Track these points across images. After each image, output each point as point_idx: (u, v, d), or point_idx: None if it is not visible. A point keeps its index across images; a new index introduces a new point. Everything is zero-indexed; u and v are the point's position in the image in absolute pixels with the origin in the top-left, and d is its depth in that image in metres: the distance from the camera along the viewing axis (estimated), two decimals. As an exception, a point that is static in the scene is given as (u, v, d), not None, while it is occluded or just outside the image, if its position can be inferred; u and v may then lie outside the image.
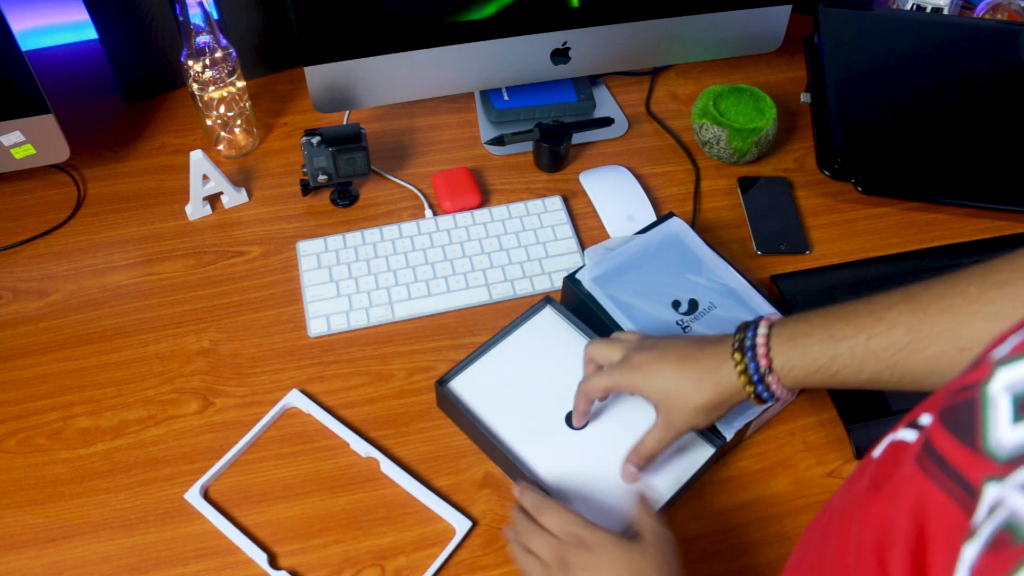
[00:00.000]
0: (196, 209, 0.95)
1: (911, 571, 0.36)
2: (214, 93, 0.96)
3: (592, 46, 1.01)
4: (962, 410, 0.36)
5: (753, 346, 0.64)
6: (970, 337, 0.55)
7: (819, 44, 1.06)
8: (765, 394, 0.65)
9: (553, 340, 0.82)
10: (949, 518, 0.34)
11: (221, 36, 0.93)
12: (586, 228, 0.97)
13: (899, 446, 0.42)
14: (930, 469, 0.36)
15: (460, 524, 0.74)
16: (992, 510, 0.31)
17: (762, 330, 0.65)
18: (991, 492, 0.32)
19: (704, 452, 0.77)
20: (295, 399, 0.81)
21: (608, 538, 0.61)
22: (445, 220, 0.95)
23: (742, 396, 0.66)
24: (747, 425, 0.77)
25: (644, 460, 0.72)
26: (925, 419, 0.41)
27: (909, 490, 0.37)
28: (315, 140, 0.91)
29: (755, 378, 0.64)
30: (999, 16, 1.17)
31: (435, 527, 0.74)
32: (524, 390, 0.79)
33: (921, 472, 0.37)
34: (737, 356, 0.65)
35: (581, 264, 0.91)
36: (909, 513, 0.37)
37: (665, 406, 0.68)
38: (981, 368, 0.37)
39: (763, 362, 0.64)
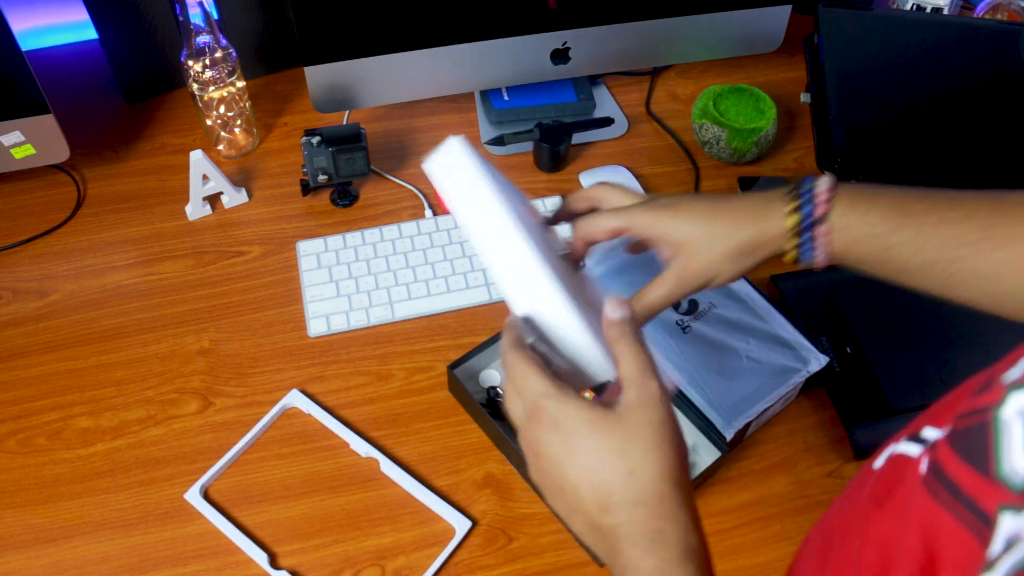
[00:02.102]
0: (196, 209, 0.95)
1: None
2: (214, 93, 0.96)
3: (592, 46, 1.01)
4: (974, 434, 0.35)
5: (812, 190, 0.55)
6: None
7: (819, 44, 1.06)
8: (807, 247, 0.55)
9: None
10: (962, 546, 0.33)
11: (221, 36, 0.93)
12: (586, 228, 0.97)
13: (901, 460, 0.42)
14: (940, 494, 0.36)
15: (460, 524, 0.74)
16: (1010, 544, 0.30)
17: (825, 179, 0.56)
18: (1007, 522, 0.31)
19: (711, 454, 0.77)
20: (295, 399, 0.81)
21: (580, 416, 0.46)
22: (445, 220, 0.95)
23: (779, 245, 0.56)
24: (747, 425, 0.77)
25: (642, 315, 0.59)
26: (928, 433, 0.41)
27: (918, 513, 0.37)
28: (315, 140, 0.91)
29: (805, 223, 0.55)
30: (999, 16, 1.17)
31: (435, 527, 0.74)
32: None
33: (931, 496, 0.36)
34: (792, 196, 0.56)
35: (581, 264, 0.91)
36: (918, 537, 0.36)
37: (686, 251, 0.57)
38: (993, 392, 0.36)
39: (821, 208, 0.55)
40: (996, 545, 0.31)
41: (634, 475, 0.45)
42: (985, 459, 0.34)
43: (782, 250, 0.57)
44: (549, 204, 0.97)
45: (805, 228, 0.55)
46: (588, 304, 0.57)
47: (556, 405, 0.47)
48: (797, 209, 0.55)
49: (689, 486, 0.46)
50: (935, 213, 0.53)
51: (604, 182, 0.62)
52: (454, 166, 0.57)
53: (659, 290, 0.58)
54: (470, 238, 0.57)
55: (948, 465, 0.36)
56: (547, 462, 0.47)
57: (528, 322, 0.52)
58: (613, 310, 0.50)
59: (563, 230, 0.63)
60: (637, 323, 0.53)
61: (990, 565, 0.31)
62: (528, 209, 0.62)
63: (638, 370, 0.49)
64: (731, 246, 0.56)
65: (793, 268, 0.59)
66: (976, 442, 0.35)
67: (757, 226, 0.56)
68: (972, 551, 0.33)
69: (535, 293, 0.53)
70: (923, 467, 0.38)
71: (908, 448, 0.41)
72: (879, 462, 0.44)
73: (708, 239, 0.57)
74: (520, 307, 0.53)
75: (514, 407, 0.49)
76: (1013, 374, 0.36)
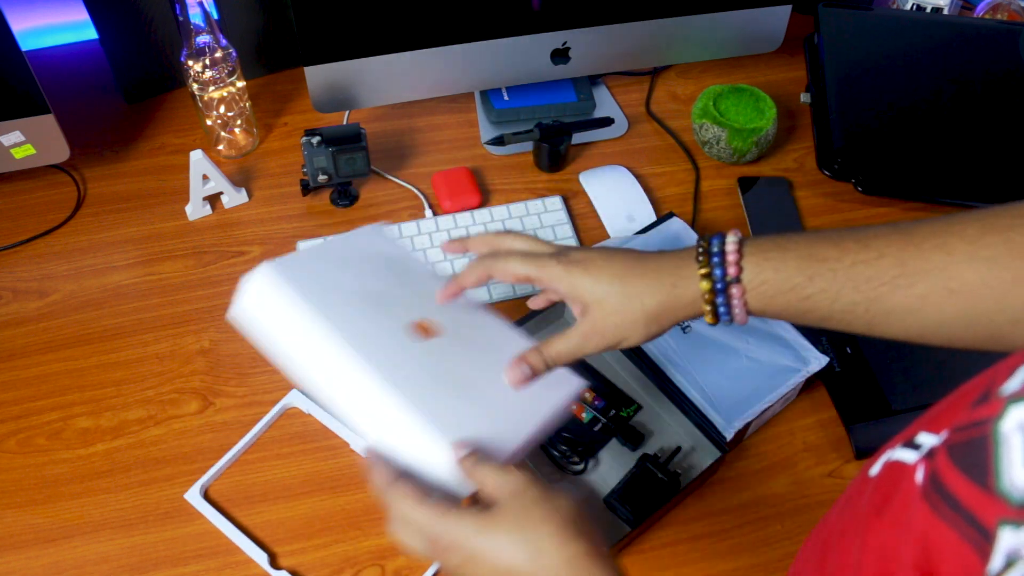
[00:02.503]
0: (196, 209, 0.95)
1: None
2: (214, 93, 0.96)
3: (592, 46, 1.01)
4: (973, 448, 0.35)
5: (721, 252, 0.55)
6: (962, 280, 0.49)
7: (819, 44, 1.06)
8: (723, 308, 0.56)
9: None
10: (961, 559, 0.33)
11: (221, 36, 0.93)
12: (586, 228, 0.97)
13: (897, 467, 0.42)
14: (940, 507, 0.36)
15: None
16: (1011, 562, 0.30)
17: (731, 238, 0.56)
18: (1007, 538, 0.31)
19: (711, 454, 0.77)
20: (295, 399, 0.81)
21: (469, 529, 0.49)
22: (445, 220, 0.95)
23: (695, 308, 0.56)
24: (747, 425, 0.77)
25: (545, 365, 0.59)
26: (923, 439, 0.41)
27: (917, 525, 0.37)
28: (315, 140, 0.91)
29: (719, 286, 0.55)
30: (999, 16, 1.17)
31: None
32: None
33: (931, 509, 0.36)
34: (703, 259, 0.56)
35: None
36: (917, 548, 0.36)
37: (600, 308, 0.57)
38: (992, 404, 0.36)
39: (732, 270, 0.55)
40: (996, 561, 0.31)
41: (540, 554, 0.47)
42: (985, 473, 0.34)
43: (698, 313, 0.57)
44: (549, 204, 0.98)
45: (719, 291, 0.55)
46: (477, 361, 0.59)
47: (444, 528, 0.49)
48: (708, 274, 0.55)
49: (597, 540, 0.49)
50: (847, 256, 0.53)
51: (512, 232, 0.63)
52: (261, 305, 0.58)
53: (564, 345, 0.59)
54: (299, 382, 0.56)
55: (947, 478, 0.36)
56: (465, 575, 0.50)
57: (385, 455, 0.54)
58: (458, 452, 0.52)
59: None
60: (539, 373, 0.59)
61: None
62: (399, 273, 0.64)
63: (497, 474, 0.51)
64: (641, 312, 0.56)
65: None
66: (976, 455, 0.35)
67: (669, 292, 0.56)
68: (971, 565, 0.33)
69: (385, 425, 0.54)
70: (919, 475, 0.38)
71: (904, 455, 0.41)
72: (875, 469, 0.44)
73: (618, 302, 0.57)
74: (374, 438, 0.54)
75: (412, 541, 0.51)
76: (1012, 386, 0.35)
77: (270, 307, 0.57)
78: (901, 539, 0.38)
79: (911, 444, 0.41)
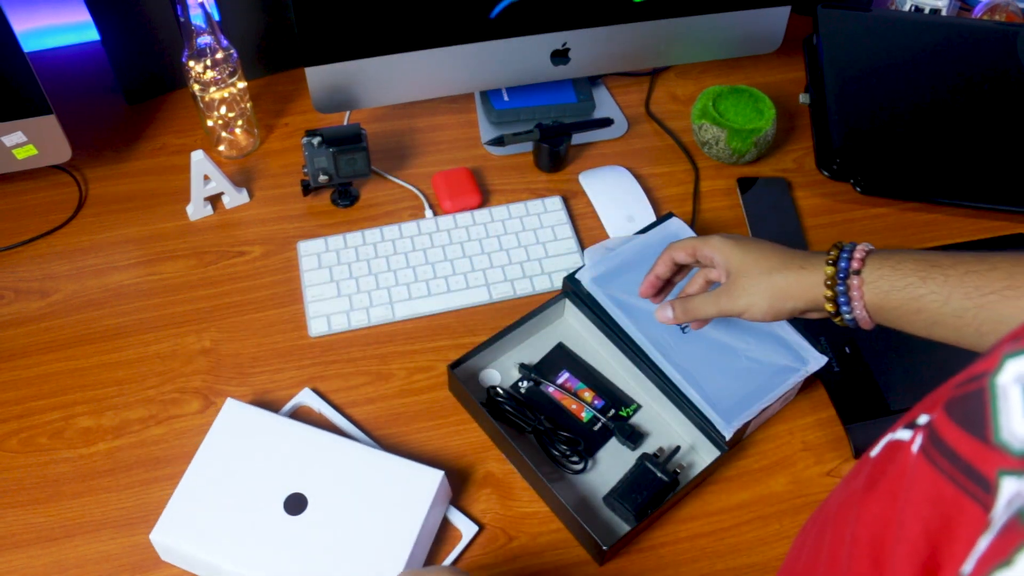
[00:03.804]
0: (197, 209, 0.96)
1: (919, 565, 0.36)
2: (215, 94, 0.96)
3: (592, 47, 1.01)
4: (970, 401, 0.35)
5: (850, 249, 0.63)
6: None
7: (818, 45, 1.07)
8: (843, 299, 0.63)
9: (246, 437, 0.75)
10: (963, 512, 0.34)
11: (222, 37, 0.93)
12: (586, 228, 0.98)
13: (895, 444, 0.42)
14: (939, 461, 0.36)
15: (467, 528, 0.74)
16: (1010, 503, 0.31)
17: (863, 244, 0.64)
18: (1009, 486, 0.32)
19: (710, 454, 0.77)
20: (306, 398, 0.82)
21: None
22: (445, 220, 0.96)
23: (817, 293, 0.64)
24: (746, 425, 0.77)
25: (686, 315, 0.73)
26: (922, 419, 0.41)
27: (917, 483, 0.37)
28: (316, 140, 0.91)
29: (841, 275, 0.63)
30: (997, 17, 1.17)
31: (439, 530, 0.74)
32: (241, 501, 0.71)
33: (930, 464, 0.36)
34: (832, 251, 0.64)
35: (581, 264, 0.91)
36: (919, 507, 0.36)
37: (739, 274, 0.68)
38: (989, 359, 0.36)
39: (856, 263, 0.62)
40: (998, 509, 0.32)
41: None
42: (983, 425, 0.34)
43: (820, 301, 0.64)
44: (549, 204, 0.98)
45: (841, 279, 0.63)
46: None
47: None
48: (834, 262, 0.63)
49: None
50: (961, 265, 0.58)
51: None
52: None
53: (707, 302, 0.71)
54: None
55: (946, 433, 0.36)
56: None
57: None
58: None
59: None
60: (680, 321, 0.74)
61: (990, 527, 0.31)
62: None
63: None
64: (769, 284, 0.66)
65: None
66: (973, 409, 0.35)
67: (797, 273, 0.65)
68: (973, 517, 0.33)
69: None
70: (915, 445, 0.39)
71: (903, 434, 0.42)
72: (876, 451, 0.45)
73: (755, 273, 0.67)
74: None
75: None
76: (1011, 346, 0.36)
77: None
78: (897, 505, 0.38)
79: (911, 425, 0.42)
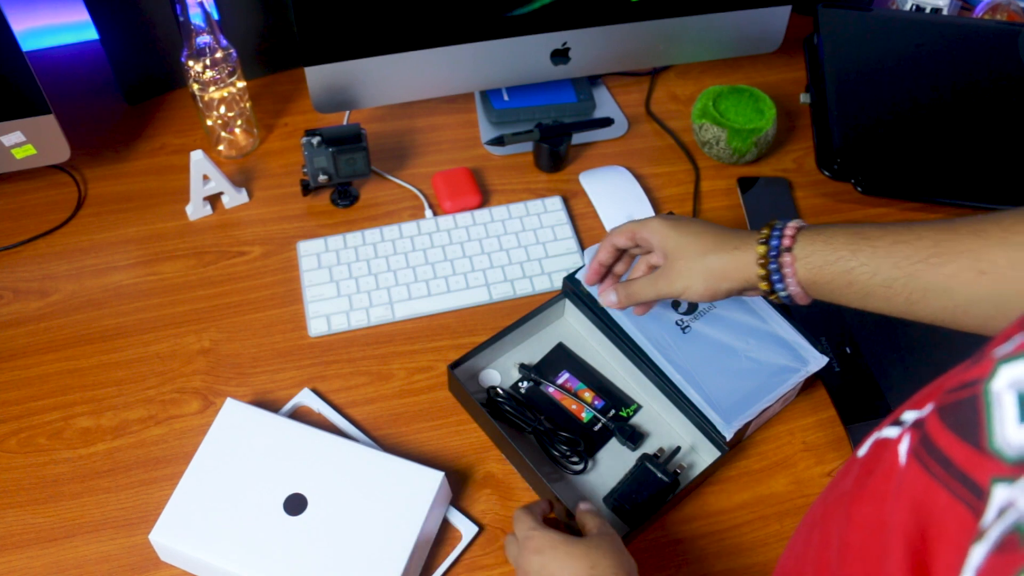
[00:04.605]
0: (197, 209, 0.96)
1: (911, 570, 0.36)
2: (214, 93, 0.96)
3: (592, 46, 1.01)
4: (964, 408, 0.35)
5: (781, 227, 0.65)
6: (992, 262, 0.54)
7: (818, 44, 1.07)
8: (776, 276, 0.64)
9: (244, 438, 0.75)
10: (956, 519, 0.34)
11: (221, 36, 0.93)
12: (586, 228, 0.97)
13: (882, 443, 0.42)
14: (932, 468, 0.36)
15: (467, 529, 0.74)
16: (1002, 512, 0.31)
17: (795, 220, 0.66)
18: (1000, 494, 0.31)
19: (711, 454, 0.77)
20: (306, 398, 0.81)
21: (557, 540, 0.62)
22: (445, 220, 0.96)
23: (753, 274, 0.65)
24: (747, 425, 0.77)
25: (628, 299, 0.75)
26: (908, 416, 0.41)
27: (908, 489, 0.37)
28: (315, 140, 0.91)
29: (773, 253, 0.64)
30: (998, 16, 1.17)
31: (440, 531, 0.74)
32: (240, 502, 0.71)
33: (922, 470, 0.36)
34: (764, 230, 0.65)
35: (581, 264, 0.91)
36: (910, 513, 0.36)
37: (675, 257, 0.69)
38: (983, 365, 0.36)
39: (787, 241, 0.63)
40: (989, 515, 0.31)
41: (596, 567, 0.59)
42: (977, 432, 0.34)
43: (754, 280, 0.66)
44: (549, 204, 0.98)
45: (772, 257, 0.64)
46: None
47: (541, 533, 0.63)
48: (766, 241, 0.65)
49: None
50: (889, 236, 0.59)
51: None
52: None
53: (645, 284, 0.72)
54: None
55: (939, 439, 0.36)
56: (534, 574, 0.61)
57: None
58: (583, 505, 0.68)
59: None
60: (622, 305, 0.76)
61: (982, 534, 0.31)
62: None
63: (599, 523, 0.65)
64: (704, 266, 0.67)
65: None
66: (967, 415, 0.35)
67: (731, 254, 0.66)
68: (965, 523, 0.33)
69: None
70: (902, 446, 0.39)
71: (889, 432, 0.42)
72: (863, 450, 0.45)
73: (694, 254, 0.68)
74: None
75: (511, 549, 0.66)
76: (1005, 348, 0.36)
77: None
78: (887, 507, 0.38)
79: (897, 423, 0.42)
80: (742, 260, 0.66)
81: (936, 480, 0.35)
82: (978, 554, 0.31)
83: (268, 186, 1.00)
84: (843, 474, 0.46)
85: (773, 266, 0.64)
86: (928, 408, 0.39)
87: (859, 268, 0.60)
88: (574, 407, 0.81)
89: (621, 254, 0.78)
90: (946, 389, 0.38)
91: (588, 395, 0.82)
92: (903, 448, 0.39)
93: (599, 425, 0.80)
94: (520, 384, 0.83)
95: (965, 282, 0.55)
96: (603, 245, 0.77)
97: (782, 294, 0.65)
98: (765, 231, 0.65)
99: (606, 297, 0.77)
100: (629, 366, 0.81)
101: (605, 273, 0.79)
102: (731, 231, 0.69)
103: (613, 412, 0.81)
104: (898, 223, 0.61)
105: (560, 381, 0.83)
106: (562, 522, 0.71)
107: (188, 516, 0.70)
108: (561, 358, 0.85)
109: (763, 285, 0.65)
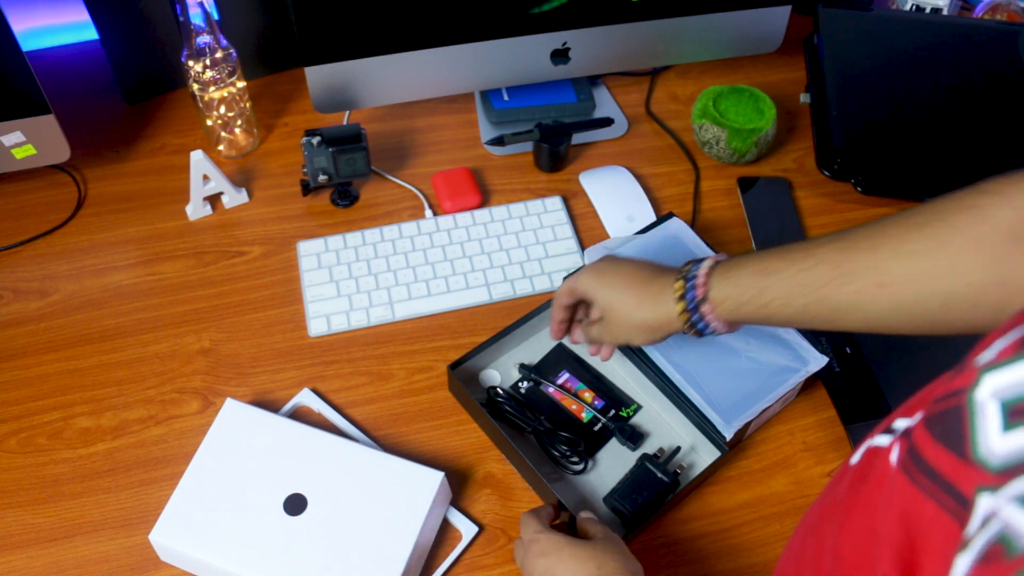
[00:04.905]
0: (197, 209, 0.96)
1: None
2: (214, 93, 0.96)
3: (592, 46, 1.01)
4: (949, 418, 0.35)
5: (694, 277, 0.66)
6: (889, 274, 0.56)
7: (818, 44, 1.07)
8: (700, 323, 0.67)
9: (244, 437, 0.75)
10: (942, 529, 0.34)
11: (221, 36, 0.93)
12: (586, 228, 0.97)
13: (873, 451, 0.42)
14: (919, 479, 0.36)
15: (467, 529, 0.74)
16: (986, 522, 0.31)
17: (706, 263, 0.67)
18: (984, 503, 0.31)
19: (711, 454, 0.77)
20: (306, 398, 0.81)
21: (563, 542, 0.63)
22: (445, 220, 0.96)
23: (678, 324, 0.68)
24: (747, 425, 0.77)
25: (590, 341, 0.77)
26: (899, 424, 0.41)
27: (897, 500, 0.37)
28: (315, 140, 0.91)
29: (691, 307, 0.66)
30: (998, 16, 1.17)
31: (440, 532, 0.74)
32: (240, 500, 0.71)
33: (909, 481, 0.36)
34: (678, 284, 0.67)
35: (581, 264, 0.91)
36: (898, 523, 0.36)
37: (609, 315, 0.72)
38: (966, 374, 0.36)
39: (699, 291, 0.65)
40: (973, 525, 0.31)
41: (602, 568, 0.60)
42: (961, 442, 0.34)
43: (682, 326, 0.68)
44: (549, 204, 0.98)
45: (692, 311, 0.66)
46: None
47: (547, 535, 0.64)
48: (682, 295, 0.67)
49: None
50: (792, 267, 0.61)
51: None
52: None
53: (597, 331, 0.75)
54: None
55: (925, 450, 0.36)
56: None
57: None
58: (583, 514, 0.69)
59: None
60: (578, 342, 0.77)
61: (966, 544, 0.31)
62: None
63: (602, 529, 0.66)
64: (639, 322, 0.70)
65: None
66: (952, 425, 0.35)
67: (655, 311, 0.69)
68: (951, 533, 0.33)
69: None
70: (893, 455, 0.39)
71: (881, 440, 0.42)
72: (855, 458, 0.45)
73: (623, 312, 0.71)
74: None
75: (518, 551, 0.66)
76: (986, 356, 0.36)
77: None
78: (877, 517, 0.38)
79: (888, 430, 0.42)
80: (667, 315, 0.68)
81: (923, 491, 0.35)
82: (962, 564, 0.31)
83: (268, 186, 1.00)
84: (836, 481, 0.46)
85: (695, 317, 0.66)
86: (918, 417, 0.39)
87: (772, 303, 0.62)
88: (574, 407, 0.81)
89: (575, 307, 0.79)
90: (933, 398, 0.38)
91: (588, 395, 0.82)
92: (894, 457, 0.39)
93: (599, 425, 0.80)
94: (520, 384, 0.83)
95: (870, 298, 0.57)
96: (555, 305, 0.78)
97: (709, 334, 0.68)
98: (679, 283, 0.67)
99: (575, 336, 0.80)
100: (629, 366, 0.81)
101: (568, 326, 0.80)
102: (653, 278, 0.70)
103: (613, 412, 0.81)
104: (799, 244, 0.62)
105: (560, 381, 0.83)
106: (566, 525, 0.71)
107: (188, 516, 0.70)
108: (561, 358, 0.85)
109: (693, 332, 0.68)
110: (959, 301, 0.54)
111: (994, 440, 0.33)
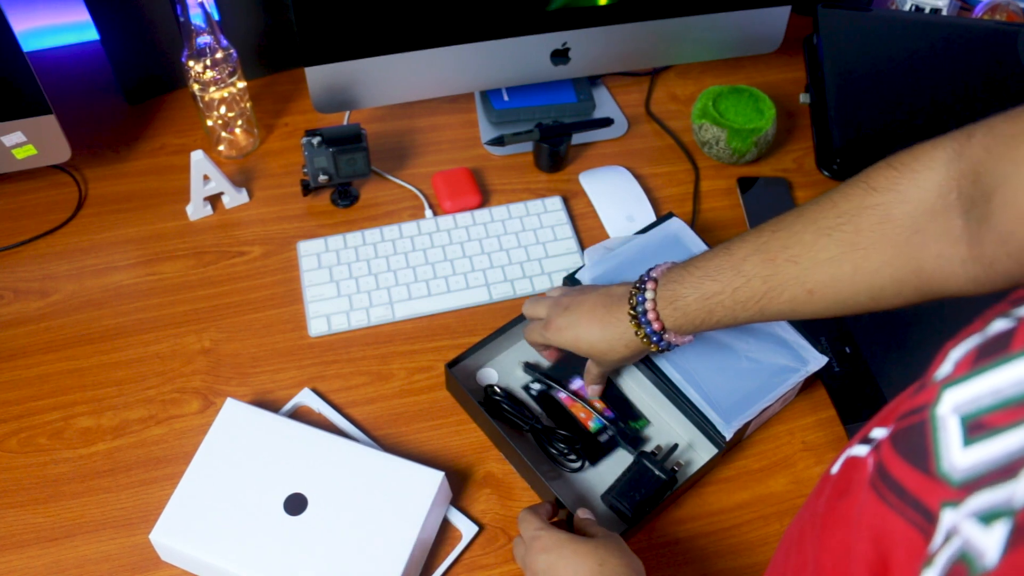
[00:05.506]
0: (197, 209, 0.96)
1: None
2: (215, 93, 0.96)
3: (592, 46, 1.01)
4: (913, 434, 0.36)
5: (645, 312, 0.69)
6: (814, 281, 0.60)
7: (818, 45, 1.07)
8: (663, 344, 0.71)
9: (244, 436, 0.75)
10: (910, 545, 0.34)
11: (222, 37, 0.93)
12: (586, 228, 0.98)
13: (852, 462, 0.43)
14: (887, 496, 0.36)
15: (467, 528, 0.74)
16: (948, 537, 0.31)
17: (649, 295, 0.70)
18: (948, 518, 0.32)
19: (710, 454, 0.77)
20: (306, 398, 0.82)
21: (564, 539, 0.63)
22: (445, 220, 0.96)
23: (651, 349, 0.72)
24: (746, 425, 0.77)
25: (591, 379, 0.80)
26: (876, 433, 0.42)
27: (867, 517, 0.37)
28: (315, 140, 0.91)
29: (655, 339, 0.70)
30: (998, 17, 1.17)
31: (440, 531, 0.74)
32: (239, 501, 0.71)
33: (878, 499, 0.37)
34: (635, 326, 0.70)
35: (581, 264, 0.91)
36: (870, 540, 0.37)
37: (591, 356, 0.75)
38: (928, 391, 0.36)
39: (656, 325, 0.69)
40: (936, 540, 0.32)
41: (604, 565, 0.61)
42: (925, 458, 0.35)
43: (655, 350, 0.71)
44: (549, 204, 0.98)
45: (656, 342, 0.70)
46: None
47: (548, 533, 0.65)
48: (645, 334, 0.70)
49: None
50: (727, 288, 0.64)
51: (529, 298, 0.81)
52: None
53: (595, 368, 0.79)
54: None
55: (892, 466, 0.37)
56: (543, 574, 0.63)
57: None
58: (582, 513, 0.70)
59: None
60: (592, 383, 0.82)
61: (930, 560, 0.31)
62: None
63: (601, 528, 0.67)
64: (616, 358, 0.73)
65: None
66: (916, 441, 0.36)
67: (627, 348, 0.72)
68: (919, 549, 0.33)
69: None
70: (870, 467, 0.39)
71: (859, 450, 0.42)
72: (835, 467, 0.45)
73: (600, 352, 0.73)
74: None
75: (518, 550, 0.67)
76: (944, 371, 0.37)
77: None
78: (854, 532, 0.38)
79: (866, 440, 0.42)
80: (637, 347, 0.71)
81: (892, 508, 0.36)
82: None
83: (268, 186, 1.00)
84: (817, 493, 0.47)
85: (661, 344, 0.70)
86: (891, 427, 0.39)
87: (721, 320, 0.66)
88: (583, 415, 0.81)
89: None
90: (899, 415, 0.39)
91: (599, 405, 0.82)
92: (869, 469, 0.39)
93: (605, 436, 0.80)
94: (531, 386, 0.83)
95: (804, 302, 0.62)
96: (533, 346, 0.82)
97: (678, 348, 0.72)
98: (635, 326, 0.70)
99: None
100: (629, 366, 0.81)
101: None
102: (605, 318, 0.72)
103: (622, 425, 0.81)
104: (727, 261, 0.65)
105: (574, 387, 0.83)
106: (565, 522, 0.71)
107: (188, 516, 0.70)
108: (576, 362, 0.83)
109: (662, 350, 0.71)
110: (885, 292, 0.58)
111: (955, 455, 0.33)
